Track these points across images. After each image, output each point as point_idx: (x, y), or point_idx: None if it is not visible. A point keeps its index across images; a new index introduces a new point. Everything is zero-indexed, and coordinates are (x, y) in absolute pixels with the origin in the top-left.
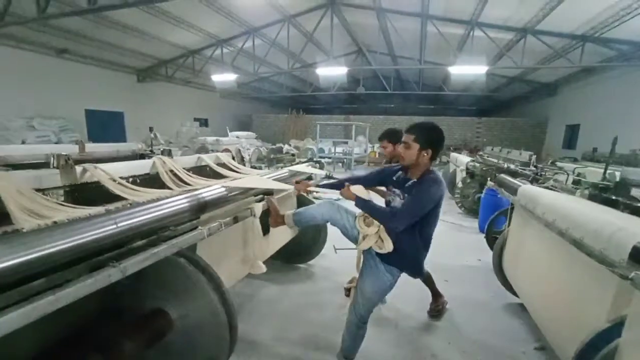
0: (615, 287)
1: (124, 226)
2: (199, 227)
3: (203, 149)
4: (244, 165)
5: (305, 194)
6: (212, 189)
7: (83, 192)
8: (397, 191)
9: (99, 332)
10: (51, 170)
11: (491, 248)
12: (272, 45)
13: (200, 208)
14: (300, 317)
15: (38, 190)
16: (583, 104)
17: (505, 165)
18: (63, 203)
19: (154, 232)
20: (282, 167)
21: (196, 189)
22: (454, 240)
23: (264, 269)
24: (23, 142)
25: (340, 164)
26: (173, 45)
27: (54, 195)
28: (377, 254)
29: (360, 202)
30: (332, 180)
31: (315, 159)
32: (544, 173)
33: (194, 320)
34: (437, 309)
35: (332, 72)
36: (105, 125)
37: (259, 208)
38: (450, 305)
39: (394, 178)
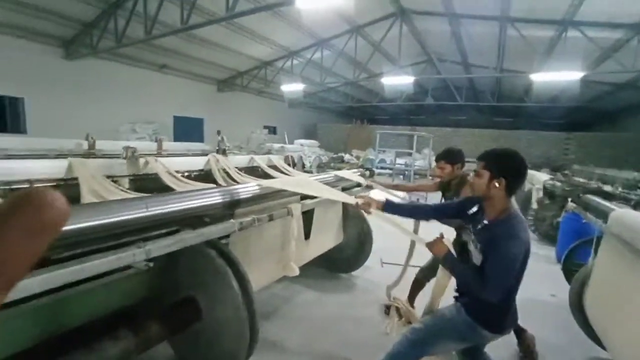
0: None
1: (155, 211)
2: (231, 220)
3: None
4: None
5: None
6: (249, 186)
7: (145, 181)
8: (471, 236)
9: (143, 311)
10: (120, 160)
11: (569, 282)
12: (339, 55)
13: (235, 203)
14: (332, 328)
15: (109, 176)
16: None
17: (597, 185)
18: (123, 189)
19: (185, 221)
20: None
21: (235, 186)
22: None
23: (296, 271)
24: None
25: (401, 176)
26: (249, 57)
27: (122, 182)
28: (460, 293)
29: (449, 261)
30: (400, 201)
31: (365, 167)
32: None
33: (219, 312)
34: (528, 349)
35: (397, 82)
36: (188, 130)
37: (297, 209)
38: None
39: (469, 212)
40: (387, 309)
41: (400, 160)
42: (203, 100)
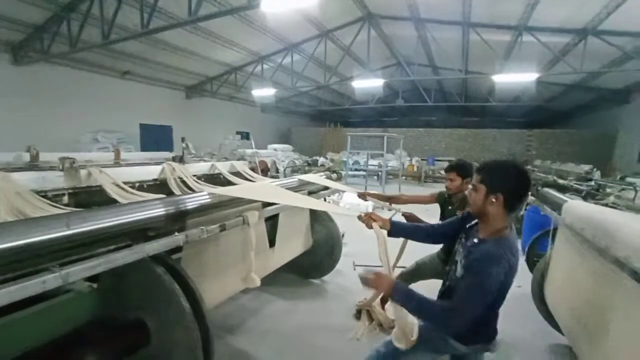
0: None
1: (78, 229)
2: (176, 234)
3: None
4: (278, 175)
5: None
6: (199, 195)
7: (88, 195)
8: (460, 248)
9: (84, 338)
10: (57, 172)
11: (532, 273)
12: (309, 60)
13: (182, 214)
14: (303, 338)
15: (42, 191)
16: None
17: (553, 179)
18: (57, 205)
19: (127, 236)
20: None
21: (182, 195)
22: None
23: (258, 283)
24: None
25: (375, 177)
26: (218, 62)
27: (59, 198)
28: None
29: (400, 294)
30: (403, 222)
31: (332, 170)
32: (604, 189)
33: (169, 334)
34: None
35: (368, 85)
36: (156, 138)
37: (254, 217)
38: None
39: (467, 225)
40: (358, 313)
41: (373, 162)
42: (171, 107)
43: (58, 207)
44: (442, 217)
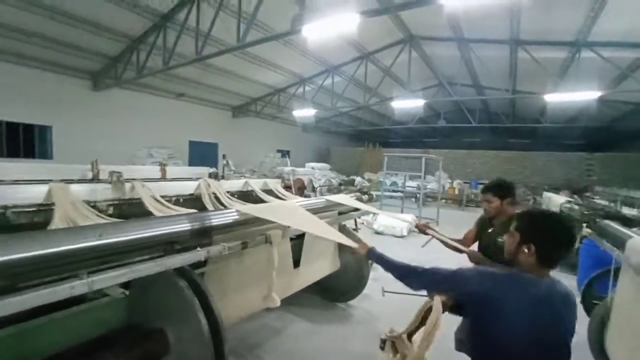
0: None
1: (110, 239)
2: (198, 249)
3: (280, 178)
4: (315, 194)
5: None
6: (223, 213)
7: (130, 206)
8: None
9: (111, 342)
10: (105, 185)
11: (589, 317)
12: (350, 81)
13: (205, 230)
14: None
15: (92, 202)
16: None
17: (616, 209)
18: (100, 214)
19: (150, 249)
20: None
21: (208, 211)
22: None
23: (278, 303)
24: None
25: (413, 199)
26: (262, 84)
27: (104, 208)
28: None
29: (375, 254)
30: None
31: (364, 191)
32: None
33: (187, 347)
34: None
35: (407, 105)
36: (203, 154)
37: (278, 236)
38: None
39: None
40: (383, 343)
41: (412, 183)
42: (218, 125)
43: (102, 217)
44: (479, 243)
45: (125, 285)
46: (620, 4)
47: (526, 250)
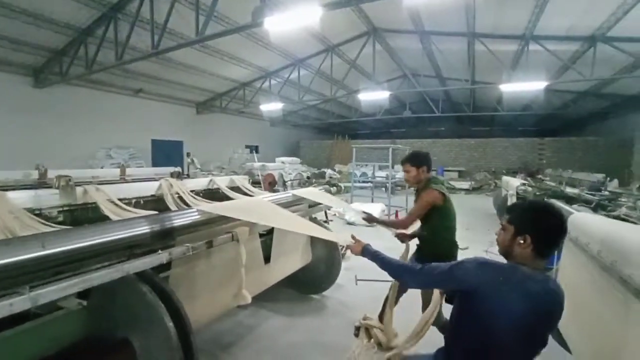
0: None
1: (54, 249)
2: (159, 251)
3: (250, 174)
4: (284, 188)
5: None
6: (185, 213)
7: (84, 212)
8: None
9: (74, 357)
10: (52, 190)
11: None
12: (316, 74)
13: (167, 232)
14: (298, 356)
15: (37, 210)
16: None
17: (564, 189)
18: (47, 223)
19: (105, 255)
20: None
21: (170, 212)
22: None
23: (249, 299)
24: (102, 168)
25: (382, 189)
26: (227, 79)
27: (54, 215)
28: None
29: (370, 252)
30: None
31: (332, 183)
32: (616, 199)
33: (154, 354)
34: None
35: (374, 97)
36: (167, 153)
37: (244, 233)
38: None
39: None
40: (357, 330)
41: (381, 173)
42: (182, 122)
43: (49, 225)
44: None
45: (84, 295)
46: (562, 3)
47: (522, 242)
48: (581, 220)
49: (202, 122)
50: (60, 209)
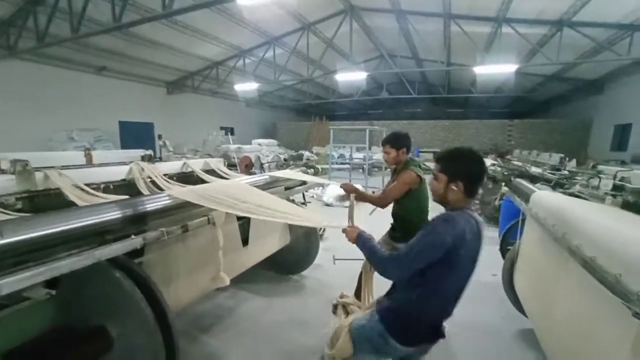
0: (637, 329)
1: (13, 237)
2: (132, 236)
3: (226, 156)
4: (263, 170)
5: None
6: (158, 197)
7: (46, 198)
8: None
9: (41, 347)
10: (6, 176)
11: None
12: (292, 53)
13: (140, 217)
14: (278, 335)
15: None
16: (635, 101)
17: (530, 169)
18: (4, 211)
19: (72, 242)
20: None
21: (142, 197)
22: None
23: (227, 282)
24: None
25: (360, 170)
26: (198, 57)
27: (10, 202)
28: (378, 301)
29: (360, 241)
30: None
31: (309, 165)
32: (573, 178)
33: (131, 339)
34: None
35: (351, 78)
36: (137, 136)
37: (220, 216)
38: (452, 329)
39: None
40: (335, 307)
41: (358, 155)
42: (152, 103)
43: (6, 213)
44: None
45: (52, 284)
46: None
47: (455, 188)
48: (541, 198)
49: (174, 103)
50: (19, 196)
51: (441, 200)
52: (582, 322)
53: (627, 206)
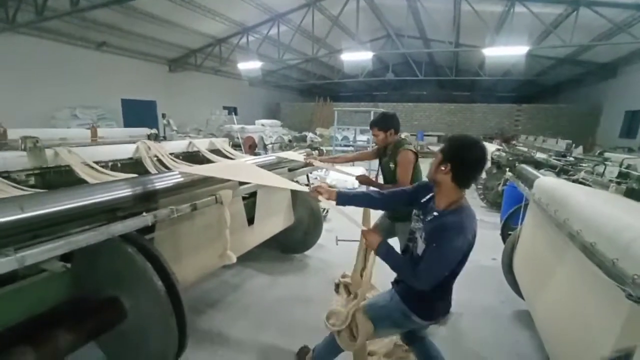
0: (628, 310)
1: (35, 211)
2: (144, 214)
3: (229, 136)
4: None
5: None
6: (168, 175)
7: (57, 175)
8: (419, 225)
9: (59, 316)
10: (19, 152)
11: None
12: (296, 31)
13: (150, 195)
14: (282, 311)
15: (2, 173)
16: None
17: (535, 155)
18: (18, 186)
19: (88, 218)
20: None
21: (151, 175)
22: None
23: (234, 259)
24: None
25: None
26: (201, 34)
27: (22, 178)
28: (397, 280)
29: (383, 251)
30: (353, 190)
31: (314, 147)
32: (578, 164)
33: (144, 311)
34: None
35: (357, 57)
36: (139, 114)
37: (228, 195)
38: (454, 309)
39: (422, 200)
40: (337, 287)
41: (362, 137)
42: (154, 81)
43: (20, 188)
44: (379, 167)
45: (66, 258)
46: None
47: (443, 169)
48: (544, 183)
49: (176, 81)
50: (30, 172)
51: (432, 180)
52: (576, 304)
53: (630, 194)
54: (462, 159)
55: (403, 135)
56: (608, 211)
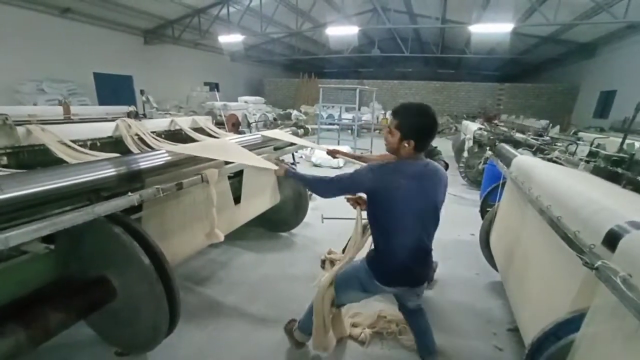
0: (584, 276)
1: (13, 192)
2: (129, 194)
3: (212, 114)
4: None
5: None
6: (152, 155)
7: (31, 154)
8: None
9: (46, 297)
10: None
11: None
12: (280, 2)
13: (135, 174)
14: (269, 287)
15: None
16: (622, 67)
17: (514, 135)
18: None
19: (71, 198)
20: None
21: (135, 154)
22: (451, 213)
23: (221, 238)
24: (35, 105)
25: (349, 131)
26: (178, 3)
27: None
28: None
29: (292, 175)
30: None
31: (300, 125)
32: (553, 144)
33: (134, 289)
34: None
35: (342, 32)
36: (114, 89)
37: (213, 174)
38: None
39: None
40: (323, 262)
41: (348, 115)
42: (129, 54)
43: None
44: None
45: (49, 240)
46: None
47: (407, 145)
48: (521, 162)
49: (153, 55)
50: (2, 152)
51: (393, 151)
52: (542, 272)
53: (596, 171)
54: (423, 132)
55: (387, 115)
56: (574, 188)
